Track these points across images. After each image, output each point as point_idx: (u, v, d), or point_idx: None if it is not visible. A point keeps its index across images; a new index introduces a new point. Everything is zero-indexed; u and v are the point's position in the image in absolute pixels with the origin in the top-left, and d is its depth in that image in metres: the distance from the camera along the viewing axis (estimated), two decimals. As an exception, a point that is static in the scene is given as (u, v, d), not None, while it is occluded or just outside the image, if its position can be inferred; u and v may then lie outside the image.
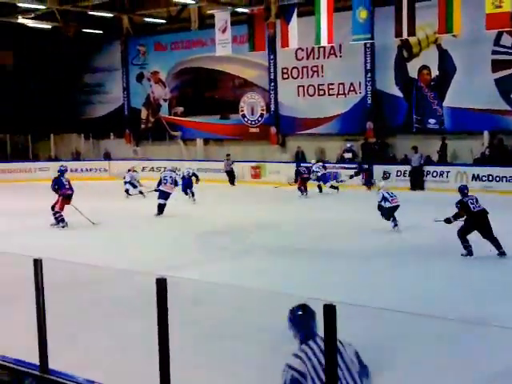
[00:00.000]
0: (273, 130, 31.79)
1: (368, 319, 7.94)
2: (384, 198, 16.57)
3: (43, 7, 31.30)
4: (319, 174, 25.89)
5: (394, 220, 16.65)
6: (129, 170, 26.84)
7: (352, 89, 29.12)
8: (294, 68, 30.71)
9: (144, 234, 17.66)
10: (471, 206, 13.28)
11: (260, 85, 32.19)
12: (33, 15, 32.74)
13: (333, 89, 29.63)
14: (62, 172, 18.61)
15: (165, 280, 5.14)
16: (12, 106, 36.75)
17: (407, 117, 27.99)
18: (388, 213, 16.61)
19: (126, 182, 26.29)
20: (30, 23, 33.67)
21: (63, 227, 18.12)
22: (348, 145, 29.30)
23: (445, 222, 13.98)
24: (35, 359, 5.86)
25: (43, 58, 37.59)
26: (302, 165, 26.86)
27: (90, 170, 35.20)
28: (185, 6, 32.41)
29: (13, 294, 9.33)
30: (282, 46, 27.39)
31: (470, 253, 13.32)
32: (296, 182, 26.01)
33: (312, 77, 30.17)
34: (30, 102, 37.02)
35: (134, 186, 26.01)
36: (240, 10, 28.76)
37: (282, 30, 26.79)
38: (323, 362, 4.13)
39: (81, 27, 35.52)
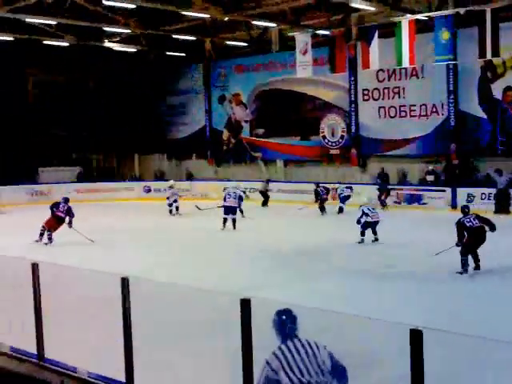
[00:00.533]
0: (353, 151, 31.64)
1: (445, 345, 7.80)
2: (364, 214, 18.50)
3: (128, 31, 32.22)
4: (344, 195, 26.97)
5: (375, 234, 18.67)
6: (170, 187, 27.45)
7: (434, 110, 28.66)
8: (375, 89, 30.54)
9: (221, 252, 17.89)
10: (467, 224, 14.31)
11: (340, 106, 32.13)
12: (118, 39, 33.80)
13: (414, 110, 29.26)
14: (64, 199, 20.25)
15: (249, 301, 5.32)
16: (97, 127, 37.95)
17: (491, 138, 27.33)
18: (366, 226, 18.55)
19: (171, 204, 26.99)
20: (116, 47, 34.73)
21: (46, 244, 19.41)
22: (430, 167, 28.87)
23: (456, 246, 14.47)
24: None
25: (128, 81, 38.69)
26: (320, 185, 27.61)
27: (173, 190, 35.66)
28: (266, 29, 32.80)
29: (96, 311, 9.55)
30: (362, 68, 27.38)
31: (465, 271, 14.12)
32: (316, 202, 27.16)
33: (393, 98, 29.91)
34: (115, 123, 38.11)
35: (175, 201, 26.94)
36: (321, 32, 28.80)
37: (362, 52, 26.72)
38: (297, 358, 4.94)
39: (164, 50, 36.42)
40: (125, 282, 6.17)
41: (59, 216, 19.69)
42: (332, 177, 31.78)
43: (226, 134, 37.20)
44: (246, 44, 34.38)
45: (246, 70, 35.84)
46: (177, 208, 26.75)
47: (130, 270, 9.79)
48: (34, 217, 24.54)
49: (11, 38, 33.16)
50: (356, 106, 31.29)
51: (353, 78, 30.90)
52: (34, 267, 7.33)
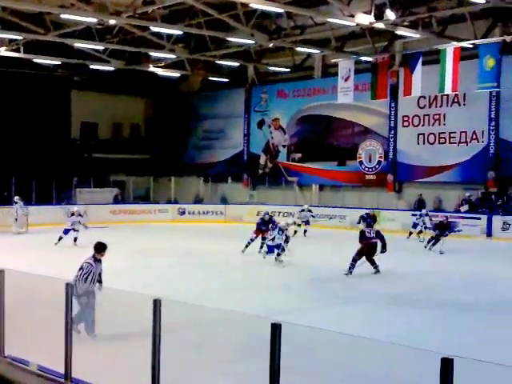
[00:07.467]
0: (390, 177, 32.02)
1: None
2: None
3: (173, 56, 32.95)
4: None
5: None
6: (72, 214, 24.06)
7: (474, 137, 29.06)
8: (415, 116, 31.04)
9: (252, 277, 17.61)
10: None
11: (379, 132, 32.62)
12: (163, 64, 34.59)
13: (454, 137, 29.69)
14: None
15: (279, 325, 5.36)
16: (136, 149, 38.71)
17: (532, 167, 27.48)
18: None
19: (66, 230, 23.65)
20: (160, 71, 35.52)
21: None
22: (467, 194, 28.98)
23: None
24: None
25: (169, 104, 39.54)
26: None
27: (207, 212, 36.03)
28: (309, 55, 33.47)
29: (129, 332, 9.59)
30: (404, 94, 27.70)
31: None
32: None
33: (433, 125, 30.38)
34: (154, 145, 38.83)
35: (75, 230, 23.56)
36: (364, 58, 29.37)
37: (405, 78, 27.11)
38: None
39: (207, 75, 37.22)
40: (156, 304, 6.34)
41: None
42: (367, 202, 31.87)
43: (263, 158, 37.81)
44: (288, 70, 35.08)
45: (287, 95, 36.52)
46: (75, 239, 23.34)
47: (163, 293, 9.93)
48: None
49: (58, 62, 34.16)
50: (395, 133, 31.78)
51: (393, 105, 31.44)
52: (68, 287, 7.43)
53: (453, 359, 4.41)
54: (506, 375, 6.74)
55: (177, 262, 19.77)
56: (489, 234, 27.13)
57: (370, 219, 24.96)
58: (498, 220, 27.14)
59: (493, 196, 28.51)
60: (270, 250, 19.58)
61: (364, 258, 17.22)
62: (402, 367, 7.87)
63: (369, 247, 17.16)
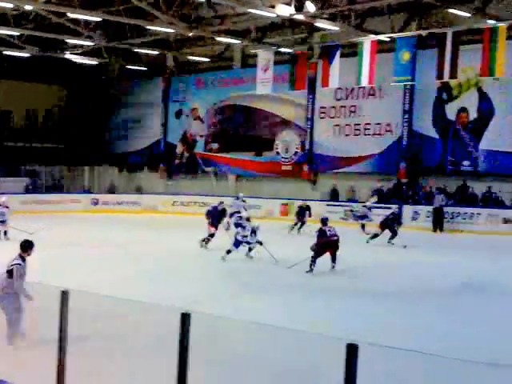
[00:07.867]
0: (305, 167, 32.55)
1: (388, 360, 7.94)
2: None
3: (91, 43, 32.43)
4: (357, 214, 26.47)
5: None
6: None
7: (388, 129, 29.93)
8: (332, 107, 31.71)
9: (170, 267, 17.33)
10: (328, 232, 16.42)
11: (297, 123, 33.10)
12: (80, 51, 33.97)
13: (369, 129, 30.50)
14: None
15: (189, 315, 5.42)
16: (49, 137, 37.82)
17: (442, 158, 28.61)
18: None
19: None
20: (77, 59, 34.90)
21: None
22: (378, 185, 29.80)
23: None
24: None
25: (85, 93, 38.86)
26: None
27: (122, 202, 35.63)
28: (229, 45, 33.63)
29: (36, 324, 9.37)
30: (322, 86, 27.97)
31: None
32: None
33: (349, 116, 31.12)
34: (68, 134, 38.04)
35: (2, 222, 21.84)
36: (283, 50, 29.71)
37: (323, 70, 27.39)
38: None
39: (125, 63, 36.82)
40: (64, 296, 6.34)
41: None
42: (283, 192, 32.39)
43: (179, 148, 37.70)
44: (208, 60, 35.14)
45: (206, 85, 36.53)
46: (5, 232, 21.75)
47: (79, 285, 9.92)
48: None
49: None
50: (312, 124, 32.32)
51: (311, 96, 31.96)
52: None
53: (357, 345, 4.49)
54: (401, 358, 7.22)
55: (89, 252, 19.22)
56: (399, 223, 27.83)
57: (308, 211, 25.34)
58: (408, 210, 27.97)
59: (404, 187, 29.38)
60: (236, 245, 18.34)
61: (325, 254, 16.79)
62: (312, 354, 8.07)
63: (332, 244, 16.48)
